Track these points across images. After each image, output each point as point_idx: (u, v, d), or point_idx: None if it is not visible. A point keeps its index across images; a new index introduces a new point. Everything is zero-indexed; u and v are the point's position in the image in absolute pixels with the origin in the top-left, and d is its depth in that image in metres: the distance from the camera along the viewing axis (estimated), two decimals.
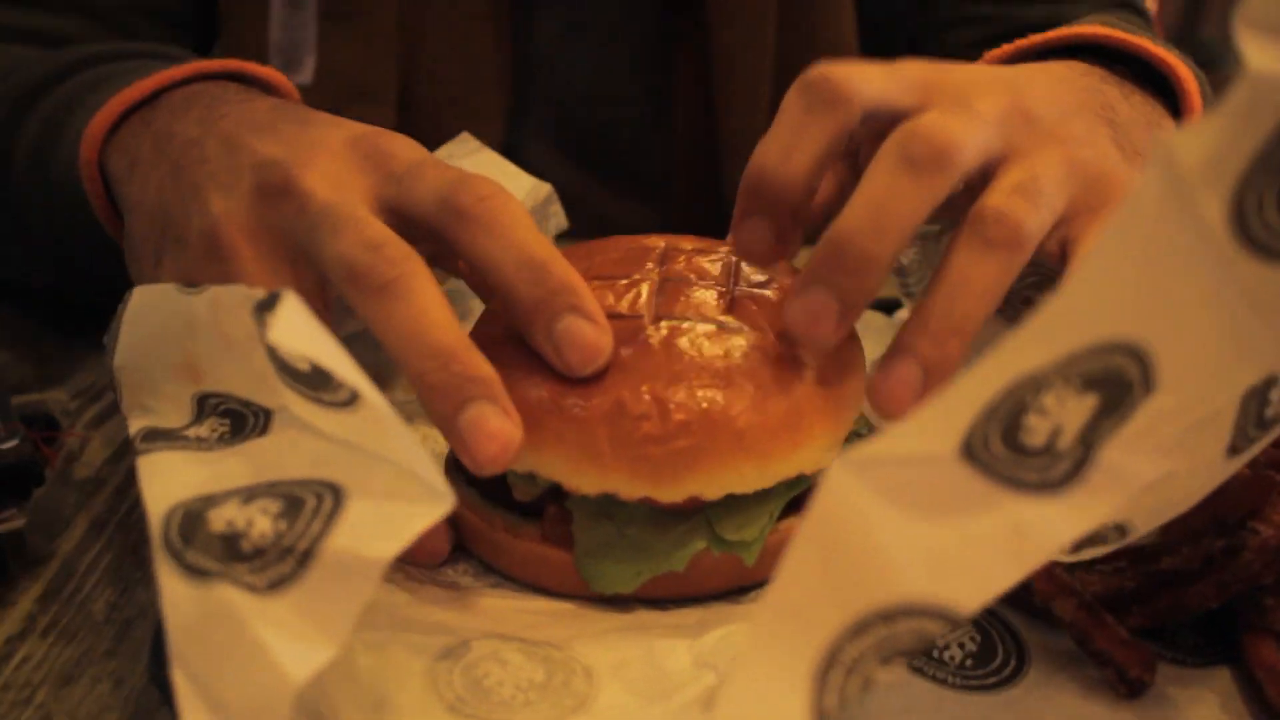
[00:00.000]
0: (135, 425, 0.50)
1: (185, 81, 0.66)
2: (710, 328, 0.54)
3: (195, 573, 0.39)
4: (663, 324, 0.54)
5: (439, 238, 0.53)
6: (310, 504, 0.40)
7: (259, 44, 0.99)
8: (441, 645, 0.50)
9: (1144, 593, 0.53)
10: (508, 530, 0.55)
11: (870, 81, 0.53)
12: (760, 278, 0.58)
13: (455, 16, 1.01)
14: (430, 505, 0.39)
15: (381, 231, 0.51)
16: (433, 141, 0.67)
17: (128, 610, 0.54)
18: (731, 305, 0.55)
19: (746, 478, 0.52)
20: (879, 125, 0.53)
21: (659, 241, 0.60)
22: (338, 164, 0.55)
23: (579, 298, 0.51)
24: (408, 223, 0.53)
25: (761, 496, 0.53)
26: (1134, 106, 0.63)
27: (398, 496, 0.39)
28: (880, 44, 1.07)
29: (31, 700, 0.49)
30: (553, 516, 0.54)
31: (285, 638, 0.38)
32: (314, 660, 0.38)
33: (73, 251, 0.73)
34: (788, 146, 0.53)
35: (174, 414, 0.50)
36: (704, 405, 0.51)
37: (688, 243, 0.61)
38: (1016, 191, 0.52)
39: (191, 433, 0.48)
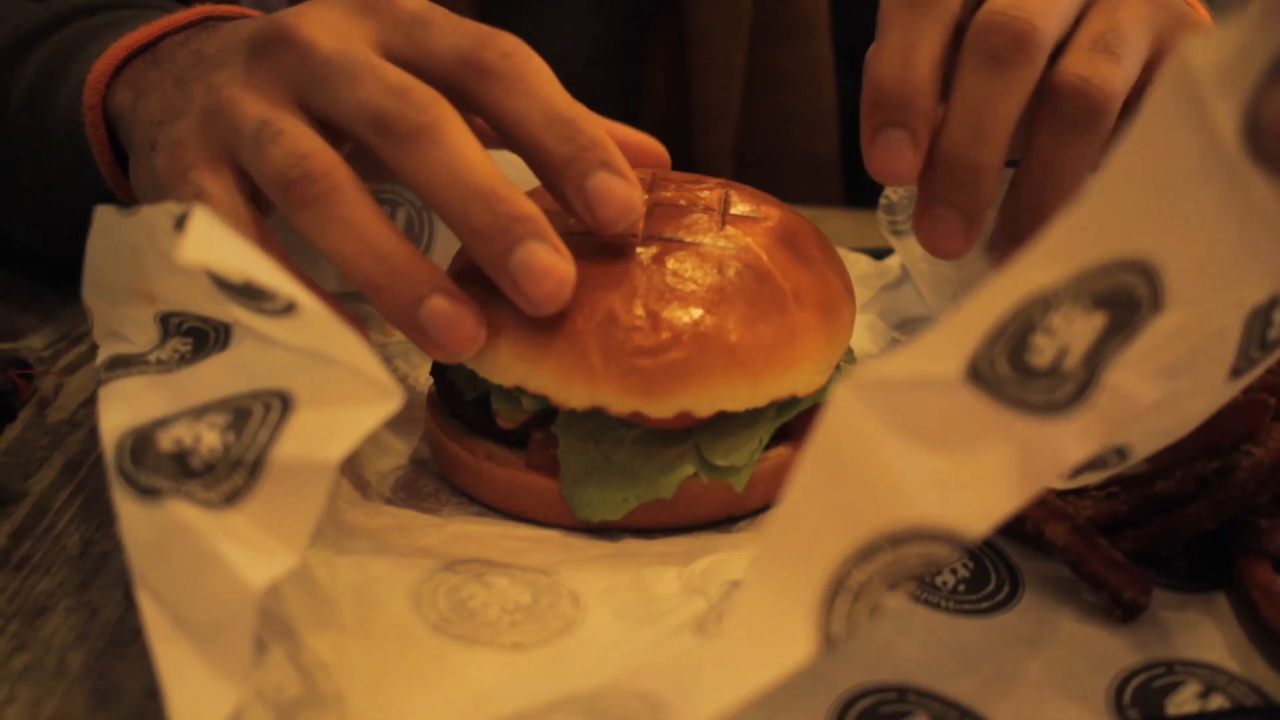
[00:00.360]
0: (103, 355, 0.49)
1: (189, 25, 0.65)
2: (703, 247, 0.53)
3: (148, 493, 0.38)
4: (654, 243, 0.53)
5: (456, 93, 0.51)
6: (258, 414, 0.39)
7: None
8: (425, 568, 0.49)
9: (1137, 517, 0.52)
10: (491, 459, 0.54)
11: None
12: (748, 207, 0.57)
13: None
14: (378, 404, 0.38)
15: (402, 76, 0.49)
16: None
17: (103, 544, 0.53)
18: (723, 228, 0.55)
19: (738, 394, 0.51)
20: None
21: (645, 173, 0.59)
22: (335, 13, 0.53)
23: (609, 154, 0.50)
24: (418, 75, 0.51)
25: (750, 421, 0.53)
26: None
27: (346, 399, 0.38)
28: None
29: (4, 630, 0.47)
30: (538, 443, 0.53)
31: (244, 549, 0.37)
32: (274, 569, 0.37)
33: (60, 204, 0.71)
34: (905, 50, 0.51)
35: (140, 336, 0.49)
36: (697, 319, 0.50)
37: (675, 175, 0.60)
38: (1097, 47, 0.51)
39: (153, 356, 0.46)
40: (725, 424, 0.52)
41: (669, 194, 0.57)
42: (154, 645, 0.37)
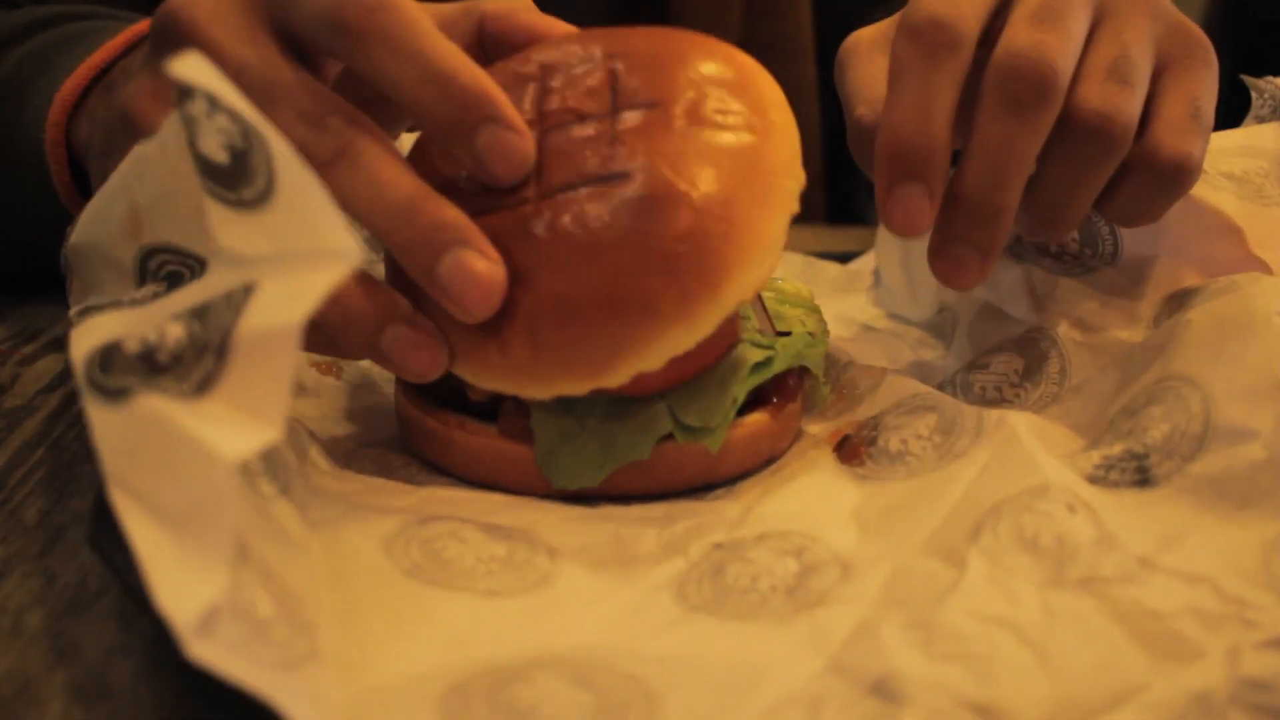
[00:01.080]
0: (76, 308, 0.48)
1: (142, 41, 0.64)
2: (596, 189, 0.48)
3: (118, 394, 0.37)
4: (545, 207, 0.49)
5: (340, 59, 0.49)
6: (220, 303, 0.38)
7: None
8: (397, 523, 0.47)
9: None
10: (463, 429, 0.53)
11: (970, 2, 0.52)
12: (642, 94, 0.51)
13: None
14: (335, 262, 0.37)
15: (316, 99, 0.47)
16: None
17: (61, 518, 0.51)
18: (615, 145, 0.49)
19: (680, 340, 0.48)
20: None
21: (532, 67, 0.53)
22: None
23: (494, 105, 0.47)
24: (299, 46, 0.49)
25: (722, 381, 0.52)
26: None
27: (305, 270, 0.37)
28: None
29: None
30: (510, 411, 0.52)
31: (220, 429, 0.36)
32: (252, 443, 0.36)
33: (21, 219, 0.70)
34: (923, 105, 0.51)
35: (116, 286, 0.48)
36: (606, 294, 0.47)
37: (560, 51, 0.54)
38: (1112, 77, 0.52)
39: (128, 298, 0.45)
40: (697, 385, 0.52)
41: (555, 104, 0.51)
42: (132, 537, 0.35)
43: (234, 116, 0.39)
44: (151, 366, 0.37)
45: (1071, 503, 0.47)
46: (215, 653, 0.33)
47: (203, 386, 0.37)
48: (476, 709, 0.38)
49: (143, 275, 0.47)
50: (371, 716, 0.37)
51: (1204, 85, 0.55)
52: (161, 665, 0.42)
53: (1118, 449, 0.51)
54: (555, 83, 0.52)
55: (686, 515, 0.51)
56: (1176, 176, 0.53)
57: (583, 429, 0.51)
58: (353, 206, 0.47)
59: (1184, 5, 0.70)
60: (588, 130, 0.50)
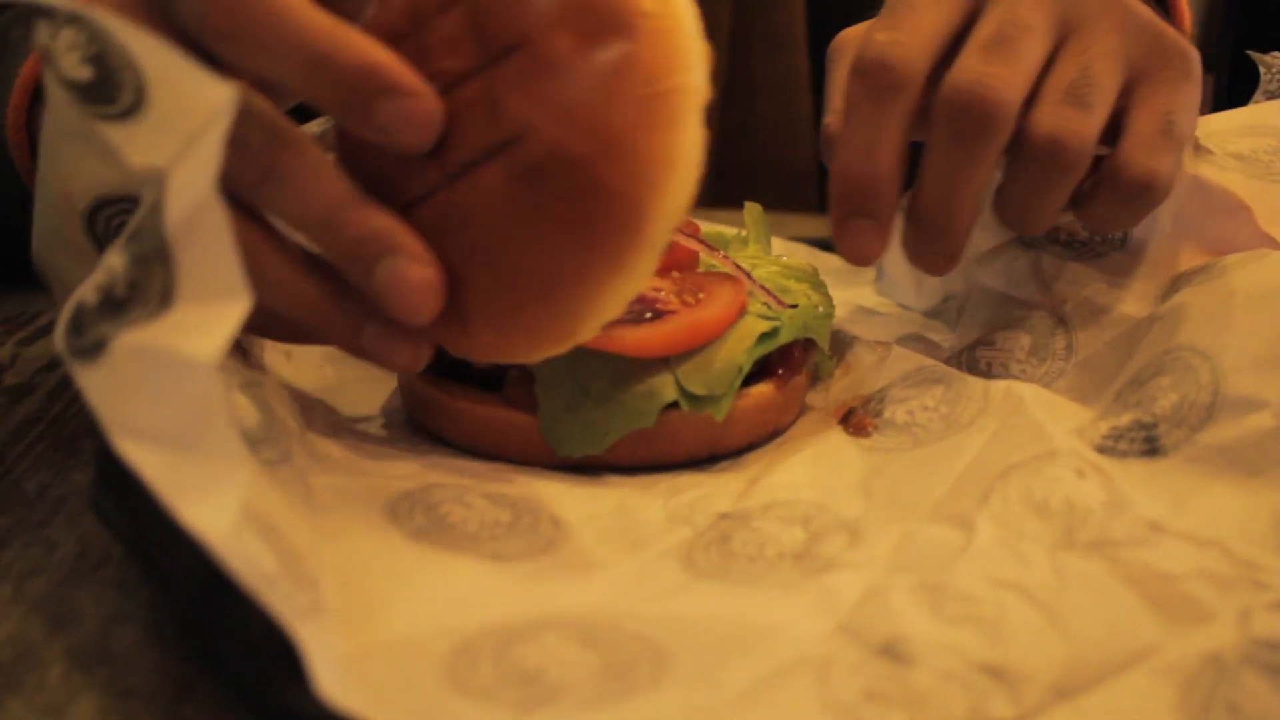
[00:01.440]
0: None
1: None
2: (493, 163, 0.45)
3: (96, 348, 0.36)
4: (459, 191, 0.46)
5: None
6: (146, 215, 0.37)
7: None
8: (400, 489, 0.47)
9: None
10: (467, 399, 0.53)
11: (921, 39, 0.52)
12: (498, 25, 0.46)
13: None
14: (220, 110, 0.36)
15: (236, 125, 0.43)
16: None
17: (61, 489, 0.51)
18: (496, 106, 0.45)
19: (628, 287, 0.45)
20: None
21: (403, 20, 0.48)
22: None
23: (383, 75, 0.44)
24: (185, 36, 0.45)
25: (728, 352, 0.52)
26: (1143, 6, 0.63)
27: (200, 135, 0.36)
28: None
29: None
30: (514, 380, 0.52)
31: (194, 334, 0.35)
32: (227, 328, 0.35)
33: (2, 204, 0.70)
34: (869, 145, 0.53)
35: (85, 269, 0.46)
36: (540, 272, 0.45)
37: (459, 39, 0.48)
38: (1068, 99, 0.52)
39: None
40: (703, 354, 0.51)
41: (435, 65, 0.46)
42: (144, 473, 0.34)
43: (76, 22, 0.38)
44: (114, 306, 0.36)
45: (1081, 467, 0.46)
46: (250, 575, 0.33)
47: (165, 298, 0.36)
48: (483, 670, 0.37)
49: (98, 242, 0.45)
50: (376, 671, 0.36)
51: (1180, 97, 0.54)
52: (162, 631, 0.42)
53: (1126, 419, 0.50)
54: (427, 38, 0.47)
55: (692, 486, 0.51)
56: (1144, 193, 0.53)
57: (587, 396, 0.51)
58: (289, 222, 0.46)
59: None
60: (471, 90, 0.46)
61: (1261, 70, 0.65)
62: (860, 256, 0.55)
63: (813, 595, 0.43)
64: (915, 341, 0.67)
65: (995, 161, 0.53)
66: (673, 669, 0.38)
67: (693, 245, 0.57)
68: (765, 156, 1.08)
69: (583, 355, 0.51)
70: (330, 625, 0.37)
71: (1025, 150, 0.53)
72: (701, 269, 0.58)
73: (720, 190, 1.09)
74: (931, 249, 0.55)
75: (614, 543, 0.46)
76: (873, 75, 0.52)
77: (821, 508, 0.48)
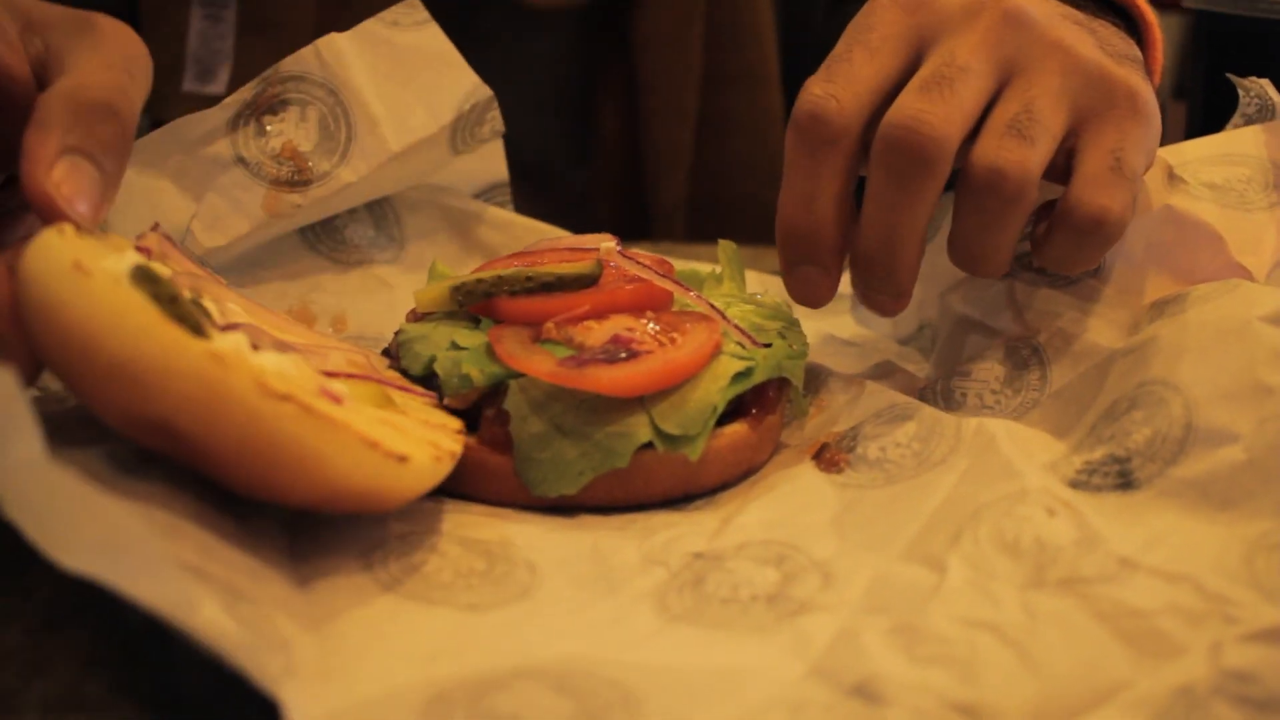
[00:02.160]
0: None
1: None
2: None
3: None
4: None
5: None
6: None
7: (175, 54, 0.98)
8: (373, 538, 0.47)
9: None
10: None
11: (856, 90, 0.54)
12: None
13: None
14: None
15: None
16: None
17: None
18: None
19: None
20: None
21: None
22: None
23: None
24: None
25: (702, 391, 0.52)
26: (1111, 32, 0.62)
27: None
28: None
29: None
30: (490, 420, 0.52)
31: None
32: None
33: None
34: (806, 196, 0.55)
35: None
36: None
37: None
38: (1010, 132, 0.53)
39: None
40: (678, 393, 0.52)
41: None
42: (98, 575, 0.36)
43: None
44: None
45: (1051, 505, 0.47)
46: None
47: None
48: (457, 717, 0.37)
49: None
50: None
51: (1129, 136, 0.55)
52: (137, 678, 0.42)
53: (1099, 454, 0.51)
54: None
55: (666, 526, 0.51)
56: (1096, 230, 0.54)
57: (560, 433, 0.51)
58: None
59: (1162, 26, 0.71)
60: None
61: (1240, 93, 0.65)
62: (809, 301, 0.58)
63: (786, 639, 0.43)
64: (890, 373, 0.68)
65: (937, 202, 0.54)
66: (646, 715, 0.38)
67: (667, 285, 0.57)
68: (740, 193, 1.09)
69: (558, 395, 0.51)
70: (304, 687, 0.37)
71: (968, 184, 0.54)
72: (676, 309, 0.58)
73: (695, 226, 1.10)
74: (879, 289, 0.56)
75: (589, 588, 0.47)
76: (806, 129, 0.54)
77: (795, 547, 0.49)
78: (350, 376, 0.49)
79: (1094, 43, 0.57)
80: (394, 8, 0.70)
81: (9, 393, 0.35)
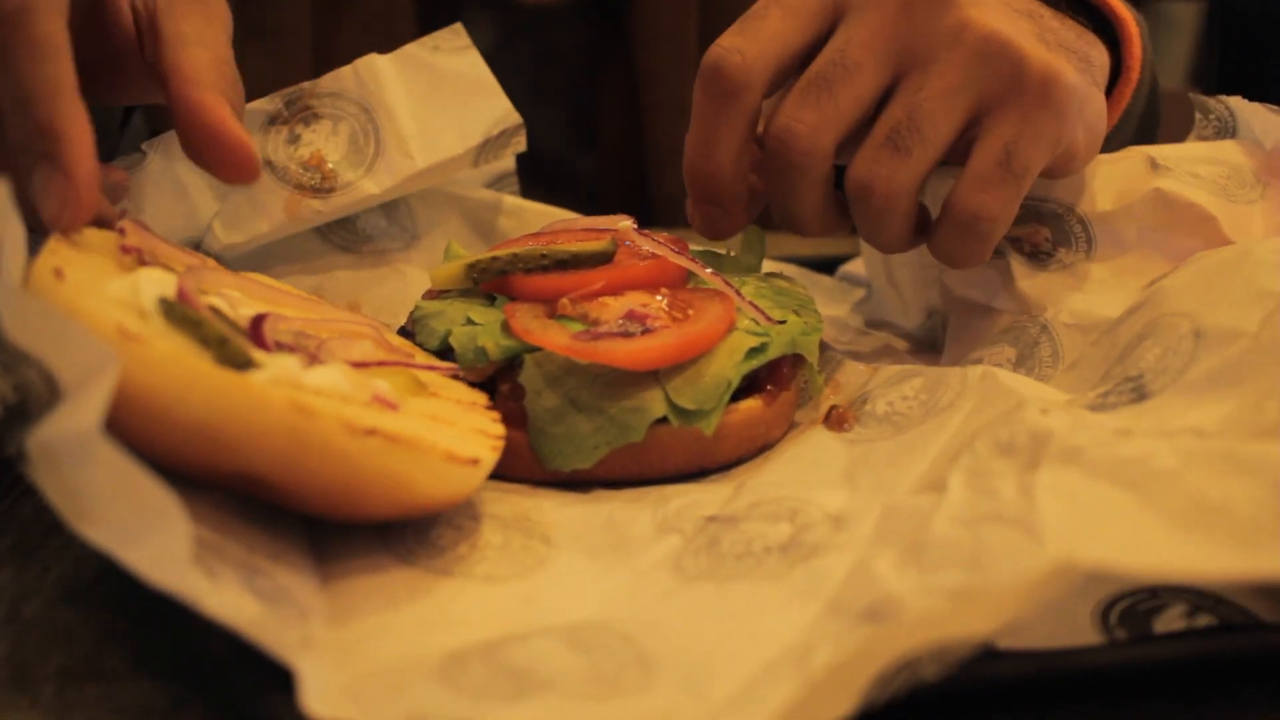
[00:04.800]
0: None
1: None
2: None
3: (20, 456, 0.38)
4: None
5: None
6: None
7: None
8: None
9: None
10: None
11: (761, 47, 0.56)
12: None
13: (370, 37, 1.01)
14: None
15: None
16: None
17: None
18: None
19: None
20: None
21: None
22: None
23: (55, 144, 0.45)
24: None
25: (717, 366, 0.52)
26: (1065, 25, 0.62)
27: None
28: None
29: None
30: (505, 395, 0.52)
31: (77, 410, 0.36)
32: (105, 385, 0.36)
33: None
34: (706, 143, 0.58)
35: None
36: None
37: None
38: (887, 144, 0.55)
39: None
40: (693, 368, 0.52)
41: None
42: (110, 551, 0.36)
43: None
44: (15, 414, 0.38)
45: (1045, 407, 0.46)
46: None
47: (51, 389, 0.37)
48: (474, 670, 0.38)
49: None
50: (372, 698, 0.37)
51: (1031, 126, 0.54)
52: (153, 649, 0.42)
53: (1113, 383, 0.51)
54: None
55: (679, 495, 0.51)
56: (975, 227, 0.56)
57: (575, 407, 0.51)
58: None
59: (1179, 14, 0.70)
60: None
61: (1198, 115, 0.66)
62: (708, 234, 0.62)
63: (800, 581, 0.43)
64: (903, 359, 0.68)
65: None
66: (660, 673, 0.38)
67: (682, 262, 0.57)
68: None
69: (573, 370, 0.51)
70: (321, 657, 0.38)
71: (847, 192, 0.57)
72: (691, 285, 0.58)
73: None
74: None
75: (605, 558, 0.47)
76: (709, 80, 0.57)
77: (806, 501, 0.48)
78: (381, 365, 0.49)
79: (1031, 29, 0.56)
80: (438, 33, 0.72)
81: (101, 366, 0.36)
